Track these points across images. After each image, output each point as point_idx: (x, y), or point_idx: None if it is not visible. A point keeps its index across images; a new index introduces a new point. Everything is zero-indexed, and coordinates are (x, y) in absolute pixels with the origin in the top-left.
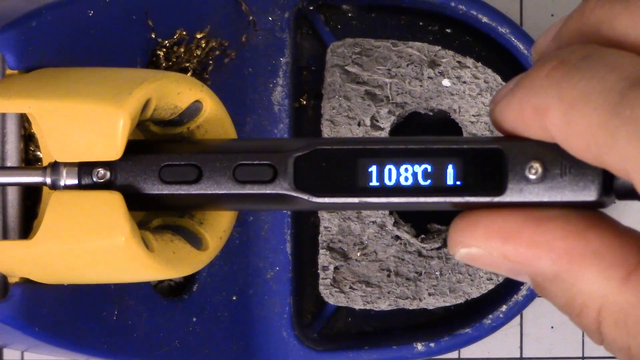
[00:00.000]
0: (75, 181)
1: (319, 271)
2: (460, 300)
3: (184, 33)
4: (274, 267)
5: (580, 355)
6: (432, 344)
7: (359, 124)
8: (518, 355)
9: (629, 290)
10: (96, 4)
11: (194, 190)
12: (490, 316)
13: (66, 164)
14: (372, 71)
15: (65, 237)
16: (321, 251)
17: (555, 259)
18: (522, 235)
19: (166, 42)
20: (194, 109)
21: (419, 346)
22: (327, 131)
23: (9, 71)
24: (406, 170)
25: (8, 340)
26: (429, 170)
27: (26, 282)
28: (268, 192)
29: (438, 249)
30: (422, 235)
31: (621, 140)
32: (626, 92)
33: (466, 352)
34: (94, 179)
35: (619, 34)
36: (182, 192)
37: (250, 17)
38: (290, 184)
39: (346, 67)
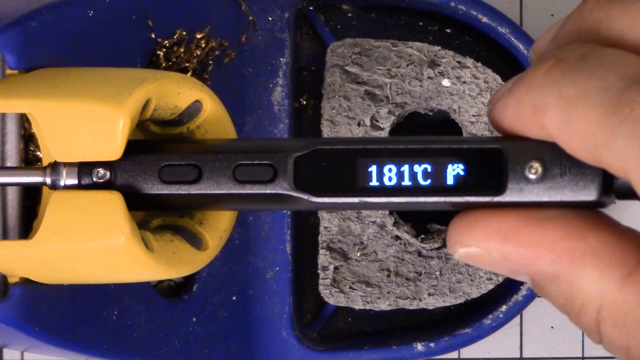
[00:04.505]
0: (75, 181)
1: (318, 271)
2: (460, 300)
3: (184, 33)
4: (274, 267)
5: (580, 355)
6: (432, 344)
7: (358, 124)
8: (518, 355)
9: (628, 290)
10: (96, 4)
11: (194, 190)
12: (490, 316)
13: (66, 164)
14: (372, 71)
15: (65, 237)
16: (321, 251)
17: (555, 259)
18: (522, 235)
19: (166, 42)
20: (194, 109)
21: (419, 346)
22: (327, 131)
23: (9, 71)
24: (406, 170)
25: (8, 340)
26: (429, 170)
27: (26, 282)
28: (268, 192)
29: (438, 249)
30: (422, 235)
31: (619, 139)
32: (624, 90)
33: (466, 352)
34: (94, 179)
35: (617, 35)
36: (182, 192)
37: (250, 17)
38: (290, 184)
39: (346, 67)
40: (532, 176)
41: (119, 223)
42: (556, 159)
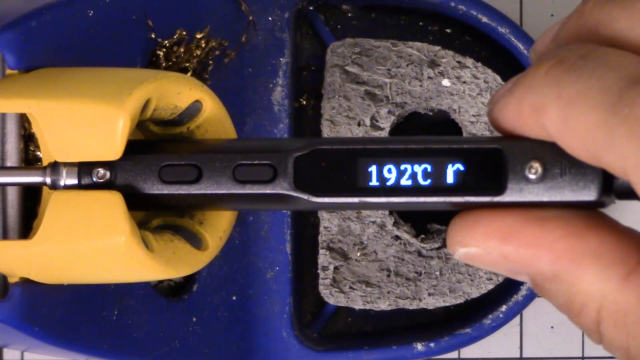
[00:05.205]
0: (75, 181)
1: (318, 271)
2: (460, 300)
3: (184, 33)
4: (274, 267)
5: (580, 355)
6: (432, 344)
7: (358, 124)
8: (518, 355)
9: (628, 290)
10: (96, 4)
11: (194, 190)
12: (490, 316)
13: (66, 164)
14: (372, 71)
15: (65, 237)
16: (321, 251)
17: (555, 259)
18: (522, 235)
19: (166, 42)
20: (194, 109)
21: (419, 346)
22: (327, 131)
23: (9, 71)
24: (406, 170)
25: (8, 340)
26: (429, 170)
27: (26, 282)
28: (268, 192)
29: (438, 249)
30: (422, 235)
31: (619, 139)
32: (625, 90)
33: (466, 352)
34: (94, 179)
35: (617, 35)
36: (182, 192)
37: (250, 17)
38: (290, 184)
39: (346, 67)
40: (532, 176)
41: (119, 223)
42: (556, 159)
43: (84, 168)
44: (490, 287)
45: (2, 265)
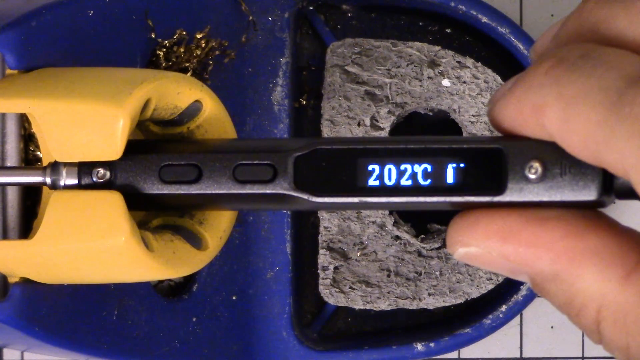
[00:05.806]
0: (75, 181)
1: (318, 271)
2: (460, 300)
3: (184, 33)
4: (274, 267)
5: (580, 355)
6: (432, 344)
7: (358, 124)
8: (518, 355)
9: (628, 289)
10: (96, 4)
11: (194, 190)
12: (490, 316)
13: (66, 164)
14: (372, 71)
15: (65, 237)
16: (321, 251)
17: (555, 259)
18: (522, 235)
19: (166, 42)
20: (194, 108)
21: (419, 346)
22: (327, 131)
23: (9, 71)
24: (406, 170)
25: (8, 340)
26: (429, 170)
27: (26, 282)
28: (268, 192)
29: (438, 249)
30: (422, 235)
31: (619, 138)
32: (625, 90)
33: (466, 352)
34: (94, 179)
35: (617, 34)
36: (182, 192)
37: (250, 17)
38: (290, 183)
39: (346, 67)
40: (532, 176)
41: (119, 223)
42: (556, 159)
43: (84, 168)
44: (490, 287)
45: (2, 265)
